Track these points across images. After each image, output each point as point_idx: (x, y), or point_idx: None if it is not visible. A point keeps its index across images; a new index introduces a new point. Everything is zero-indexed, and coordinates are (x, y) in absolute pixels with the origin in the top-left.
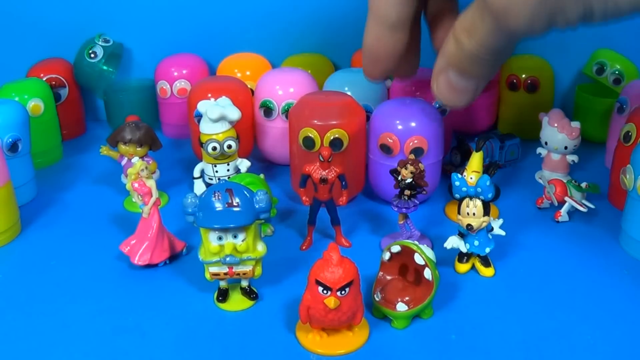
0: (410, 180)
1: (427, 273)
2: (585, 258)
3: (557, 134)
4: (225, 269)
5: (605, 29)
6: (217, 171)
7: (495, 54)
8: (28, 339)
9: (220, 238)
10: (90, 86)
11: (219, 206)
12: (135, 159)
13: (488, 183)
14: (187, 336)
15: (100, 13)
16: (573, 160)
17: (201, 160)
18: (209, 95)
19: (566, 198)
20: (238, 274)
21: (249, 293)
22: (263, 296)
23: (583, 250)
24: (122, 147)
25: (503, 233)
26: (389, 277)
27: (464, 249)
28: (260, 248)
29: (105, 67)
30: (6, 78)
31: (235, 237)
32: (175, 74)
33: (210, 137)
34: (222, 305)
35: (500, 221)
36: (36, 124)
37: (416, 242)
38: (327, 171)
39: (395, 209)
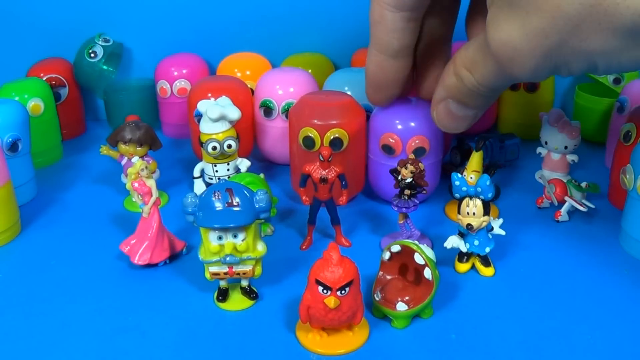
0: (410, 179)
1: (427, 273)
2: (585, 258)
3: (557, 134)
4: (225, 269)
5: None
6: (217, 171)
7: (495, 90)
8: (28, 339)
9: (220, 238)
10: (90, 86)
11: (219, 206)
12: (135, 159)
13: (488, 183)
14: (187, 336)
15: (100, 13)
16: (573, 160)
17: (201, 160)
18: (209, 94)
19: (566, 198)
20: (238, 274)
21: (249, 293)
22: (263, 296)
23: (583, 249)
24: (122, 147)
25: (503, 233)
26: (389, 277)
27: (464, 249)
28: (260, 248)
29: (105, 67)
30: (6, 78)
31: (235, 236)
32: (175, 73)
33: (210, 136)
34: (222, 305)
35: (500, 221)
36: (36, 123)
37: (416, 242)
38: (327, 171)
39: (395, 209)
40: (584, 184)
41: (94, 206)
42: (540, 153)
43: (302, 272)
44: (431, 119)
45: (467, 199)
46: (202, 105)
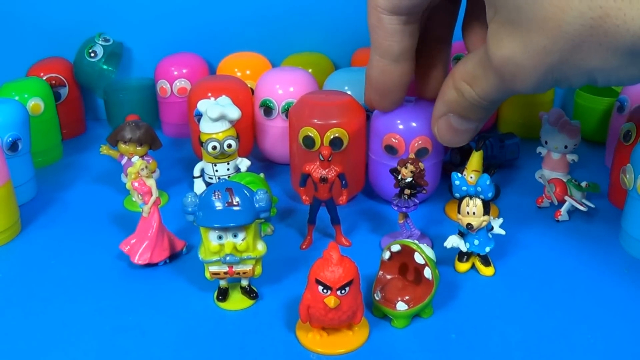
0: (410, 179)
1: (427, 272)
2: (585, 257)
3: (557, 133)
4: (225, 268)
5: None
6: (217, 170)
7: (495, 102)
8: (28, 338)
9: (220, 237)
10: (90, 85)
11: (219, 205)
12: (135, 158)
13: (488, 182)
14: (187, 335)
15: (100, 12)
16: (573, 160)
17: (201, 160)
18: (209, 94)
19: (566, 197)
20: (238, 273)
21: (249, 292)
22: (263, 295)
23: (583, 249)
24: (122, 147)
25: (503, 232)
26: (389, 276)
27: (464, 248)
28: (260, 247)
29: (105, 67)
30: (6, 77)
31: (235, 236)
32: (175, 73)
33: (210, 136)
34: (222, 305)
35: (500, 220)
36: (36, 123)
37: (416, 241)
38: (327, 170)
39: (395, 208)
40: (584, 184)
41: (94, 206)
42: (540, 153)
43: (302, 272)
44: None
45: (467, 198)
46: (202, 105)
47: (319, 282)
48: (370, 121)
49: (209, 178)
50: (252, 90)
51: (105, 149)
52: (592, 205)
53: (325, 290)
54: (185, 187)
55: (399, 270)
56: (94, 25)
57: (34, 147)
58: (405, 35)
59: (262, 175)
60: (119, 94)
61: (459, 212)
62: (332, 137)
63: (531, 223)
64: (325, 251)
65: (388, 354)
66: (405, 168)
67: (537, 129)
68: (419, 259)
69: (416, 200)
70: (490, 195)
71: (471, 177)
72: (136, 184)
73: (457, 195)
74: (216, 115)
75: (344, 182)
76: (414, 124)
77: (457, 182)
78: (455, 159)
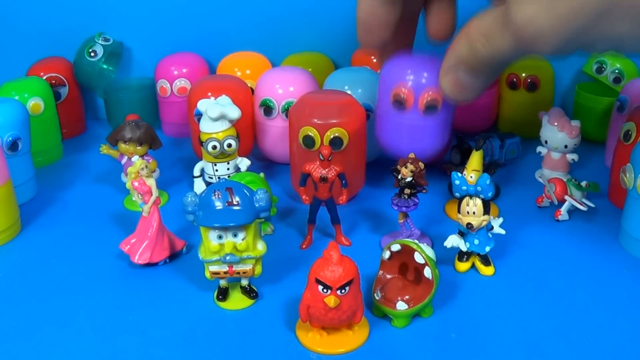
0: (410, 179)
1: (427, 272)
2: (585, 257)
3: (557, 133)
4: (225, 268)
5: None
6: (217, 170)
7: (508, 61)
8: (28, 338)
9: (220, 237)
10: (90, 85)
11: (219, 205)
12: (135, 158)
13: (488, 182)
14: (187, 335)
15: (101, 12)
16: (573, 159)
17: (201, 159)
18: (209, 94)
19: (566, 197)
20: (238, 273)
21: (249, 292)
22: (263, 295)
23: (583, 249)
24: (122, 146)
25: (503, 232)
26: (389, 276)
27: (464, 248)
28: (260, 247)
29: (105, 66)
30: (6, 77)
31: (235, 235)
32: (175, 72)
33: (210, 135)
34: (222, 304)
35: (500, 220)
36: (36, 122)
37: (416, 241)
38: (327, 170)
39: (395, 208)
40: (584, 183)
41: (94, 205)
42: (540, 152)
43: (302, 271)
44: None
45: (467, 198)
46: (202, 105)
47: (319, 282)
48: (380, 73)
49: (209, 178)
50: (252, 90)
51: (105, 149)
52: (592, 205)
53: (325, 290)
54: (185, 186)
55: (399, 269)
56: (94, 24)
57: (34, 146)
58: None
59: (262, 174)
60: (119, 93)
61: (459, 211)
62: (332, 136)
63: (531, 223)
64: (325, 251)
65: (388, 353)
66: (405, 168)
67: (537, 128)
68: (419, 258)
69: (416, 200)
70: (490, 194)
71: (471, 177)
72: (136, 184)
73: (457, 194)
74: (216, 115)
75: (344, 182)
76: (425, 75)
77: (457, 182)
78: (455, 158)
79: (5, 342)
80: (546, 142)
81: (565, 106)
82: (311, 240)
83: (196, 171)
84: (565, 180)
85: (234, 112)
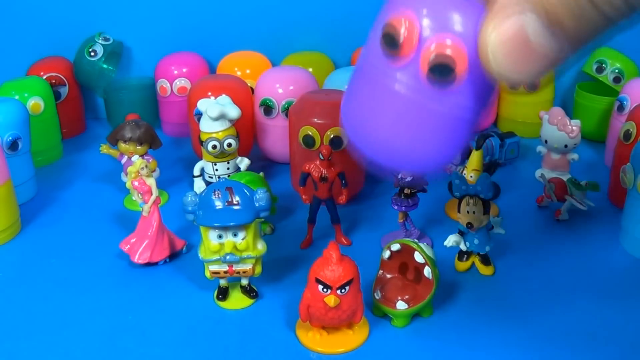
0: (410, 178)
1: (427, 271)
2: (586, 256)
3: (557, 133)
4: (225, 267)
5: None
6: (217, 169)
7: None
8: (28, 337)
9: (220, 236)
10: (90, 84)
11: (219, 204)
12: (135, 158)
13: (488, 181)
14: (187, 334)
15: (101, 11)
16: (573, 159)
17: (201, 159)
18: (209, 93)
19: (566, 196)
20: (238, 272)
21: (249, 291)
22: (263, 294)
23: (583, 248)
24: (122, 146)
25: (503, 231)
26: (389, 276)
27: (463, 248)
28: (260, 246)
29: (105, 66)
30: (6, 76)
31: (235, 235)
32: (175, 72)
33: (210, 135)
34: (222, 304)
35: (500, 219)
36: (36, 122)
37: (416, 241)
38: (327, 169)
39: (395, 207)
40: (584, 183)
41: (94, 205)
42: (540, 152)
43: (302, 271)
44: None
45: (467, 197)
46: (202, 104)
47: (319, 281)
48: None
49: (209, 177)
50: (252, 90)
51: (105, 148)
52: (592, 205)
53: (325, 290)
54: (185, 186)
55: (399, 269)
56: (94, 24)
57: (34, 146)
58: None
59: (261, 174)
60: (119, 93)
61: (459, 211)
62: (332, 136)
63: (531, 222)
64: (325, 250)
65: (388, 353)
66: None
67: (537, 128)
68: (419, 258)
69: (416, 199)
70: (490, 194)
71: (471, 176)
72: (136, 183)
73: (457, 194)
74: (216, 115)
75: (343, 182)
76: (448, 8)
77: (457, 181)
78: (455, 158)
79: (5, 342)
80: (546, 141)
81: (565, 106)
82: (311, 240)
83: (196, 171)
84: (565, 179)
85: (234, 112)
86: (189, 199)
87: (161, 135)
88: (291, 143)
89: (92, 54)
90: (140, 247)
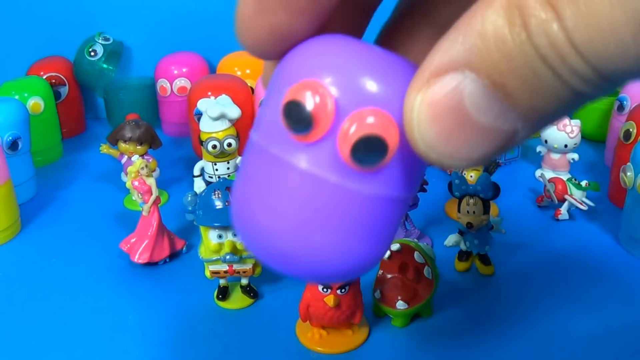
0: None
1: (427, 271)
2: (586, 256)
3: (557, 133)
4: (225, 267)
5: None
6: (217, 169)
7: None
8: (28, 337)
9: (220, 236)
10: (90, 84)
11: (219, 204)
12: (135, 157)
13: (488, 181)
14: (187, 334)
15: (100, 11)
16: (573, 159)
17: (201, 159)
18: (209, 93)
19: (566, 196)
20: (238, 272)
21: (249, 291)
22: (263, 294)
23: (583, 248)
24: (122, 146)
25: (503, 231)
26: (388, 276)
27: (463, 247)
28: None
29: (105, 65)
30: (6, 76)
31: (235, 235)
32: (175, 72)
33: (210, 135)
34: (222, 304)
35: (500, 219)
36: (36, 122)
37: (416, 240)
38: None
39: None
40: (584, 183)
41: (94, 205)
42: (540, 152)
43: None
44: None
45: (467, 197)
46: (202, 104)
47: None
48: (275, 71)
49: (209, 177)
50: (252, 90)
51: (105, 148)
52: (592, 204)
53: (325, 289)
54: (185, 186)
55: (398, 269)
56: (94, 24)
57: (34, 146)
58: None
59: None
60: (119, 93)
61: (458, 211)
62: None
63: (531, 222)
64: None
65: (388, 353)
66: None
67: None
68: (418, 258)
69: (416, 199)
70: (490, 194)
71: (471, 176)
72: (136, 183)
73: (457, 194)
74: (216, 114)
75: None
76: (366, 75)
77: (456, 181)
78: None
79: (5, 342)
80: (546, 141)
81: None
82: None
83: (196, 170)
84: (565, 179)
85: (234, 112)
86: (189, 198)
87: (161, 135)
88: None
89: (92, 53)
90: (140, 247)
